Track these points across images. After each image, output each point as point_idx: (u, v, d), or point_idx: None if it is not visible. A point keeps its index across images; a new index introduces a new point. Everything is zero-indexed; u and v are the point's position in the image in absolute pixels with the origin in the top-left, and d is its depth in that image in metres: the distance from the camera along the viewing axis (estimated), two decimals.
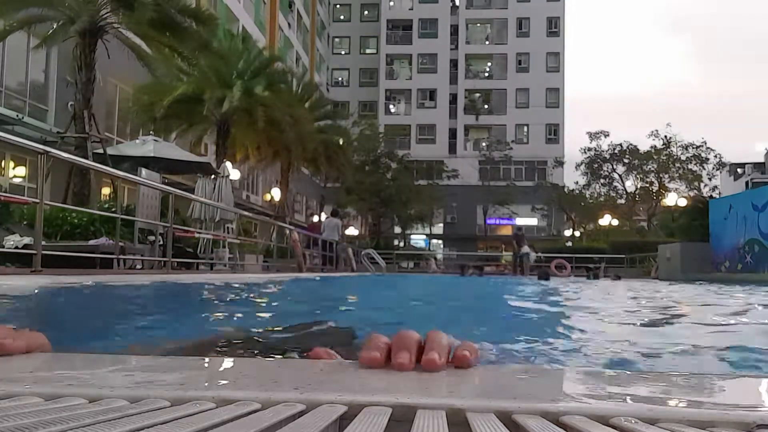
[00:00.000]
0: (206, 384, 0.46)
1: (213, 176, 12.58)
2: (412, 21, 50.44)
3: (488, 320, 4.20)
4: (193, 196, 10.81)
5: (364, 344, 0.61)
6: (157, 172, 11.38)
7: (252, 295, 6.17)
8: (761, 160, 55.51)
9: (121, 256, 7.64)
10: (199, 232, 11.12)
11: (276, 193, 24.38)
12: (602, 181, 43.40)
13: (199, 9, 13.40)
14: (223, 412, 0.36)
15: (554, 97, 48.93)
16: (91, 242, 7.68)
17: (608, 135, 44.10)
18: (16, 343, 0.61)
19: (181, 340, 1.49)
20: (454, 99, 49.83)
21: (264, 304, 5.69)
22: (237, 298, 5.65)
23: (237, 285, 6.37)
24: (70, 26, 11.79)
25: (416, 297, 7.29)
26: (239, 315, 3.84)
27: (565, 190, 43.56)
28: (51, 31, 12.19)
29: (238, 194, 22.18)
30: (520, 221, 43.13)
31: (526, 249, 22.99)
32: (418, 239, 46.65)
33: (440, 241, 47.58)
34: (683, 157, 41.16)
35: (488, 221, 45.85)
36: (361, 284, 11.84)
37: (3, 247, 6.40)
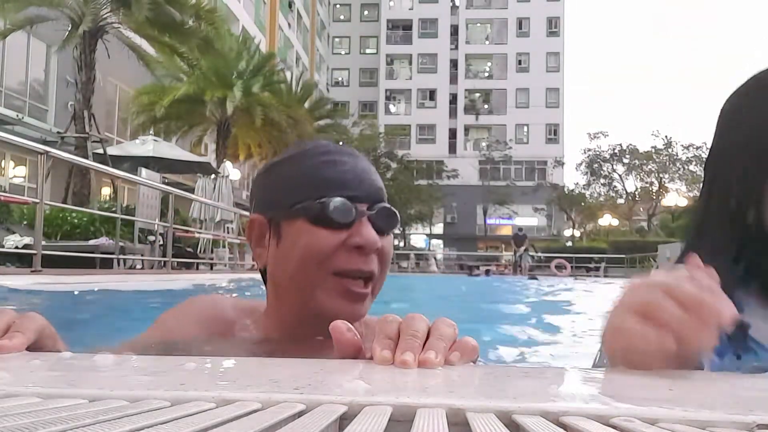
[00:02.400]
0: (206, 384, 0.46)
1: (213, 176, 12.58)
2: (412, 21, 50.42)
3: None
4: (193, 196, 10.82)
5: (378, 329, 0.60)
6: (157, 172, 11.38)
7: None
8: None
9: (121, 256, 7.66)
10: (199, 232, 11.13)
11: None
12: (602, 181, 43.42)
13: (199, 5, 13.34)
14: (223, 412, 0.37)
15: (554, 97, 48.93)
16: (91, 242, 7.69)
17: (608, 135, 44.16)
18: (13, 343, 0.60)
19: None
20: (454, 99, 49.82)
21: None
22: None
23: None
24: (75, 29, 11.79)
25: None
26: None
27: (565, 190, 43.57)
28: (66, 35, 12.18)
29: (238, 194, 22.18)
30: (520, 221, 43.16)
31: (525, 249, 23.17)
32: (418, 239, 46.64)
33: (440, 241, 47.57)
34: (684, 158, 41.20)
35: (488, 221, 45.83)
36: None
37: (3, 247, 6.40)
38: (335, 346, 0.63)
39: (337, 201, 0.90)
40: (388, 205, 0.94)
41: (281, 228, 0.94)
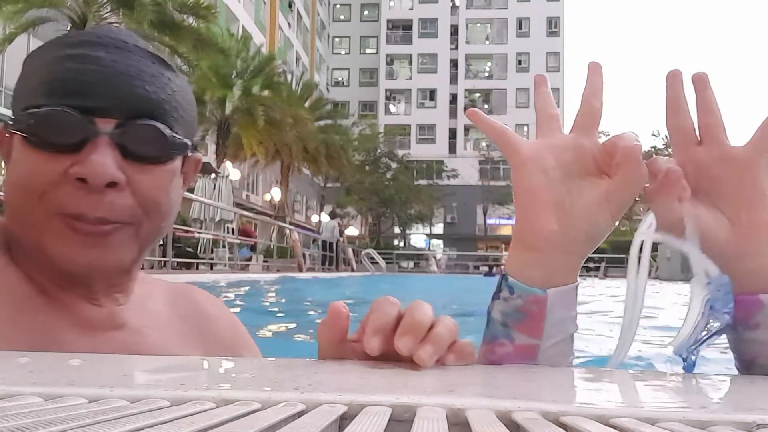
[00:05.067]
0: (206, 384, 0.46)
1: (213, 176, 12.58)
2: (412, 21, 50.45)
3: None
4: (193, 196, 10.82)
5: (372, 308, 0.56)
6: None
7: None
8: None
9: None
10: (199, 232, 11.13)
11: (276, 193, 24.42)
12: None
13: (197, 3, 13.35)
14: (223, 412, 0.37)
15: (554, 97, 48.65)
16: None
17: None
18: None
19: None
20: (454, 99, 49.83)
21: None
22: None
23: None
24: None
25: None
26: None
27: None
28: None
29: (238, 194, 22.19)
30: None
31: None
32: (418, 239, 46.65)
33: (440, 241, 47.59)
34: None
35: (488, 221, 45.84)
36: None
37: None
38: (328, 327, 0.56)
39: (50, 112, 0.63)
40: (152, 123, 0.67)
41: (13, 144, 0.68)
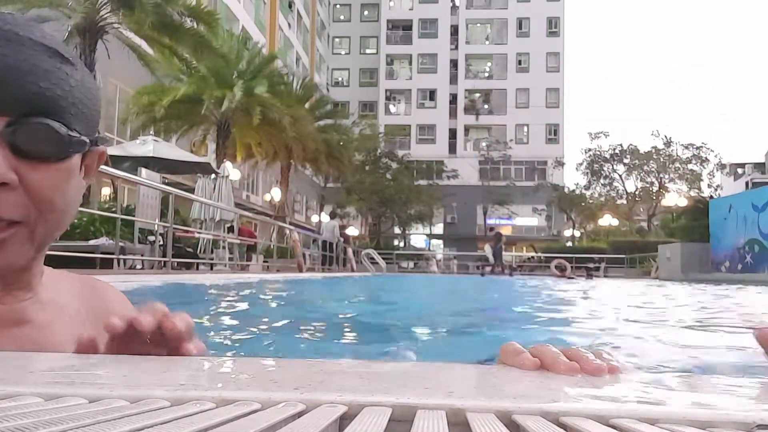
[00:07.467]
0: (206, 384, 0.46)
1: (213, 176, 12.57)
2: (412, 21, 50.46)
3: None
4: (193, 196, 10.82)
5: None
6: (157, 172, 11.37)
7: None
8: (761, 160, 55.50)
9: (121, 256, 7.64)
10: (199, 232, 11.13)
11: (276, 193, 24.41)
12: (603, 181, 43.45)
13: (198, 7, 13.35)
14: (223, 412, 0.37)
15: (554, 97, 48.94)
16: (91, 242, 7.68)
17: (608, 135, 44.19)
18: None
19: None
20: (454, 99, 49.83)
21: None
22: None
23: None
24: (75, 29, 11.82)
25: None
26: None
27: (566, 190, 43.58)
28: (66, 35, 12.21)
29: (238, 194, 22.18)
30: (520, 221, 43.24)
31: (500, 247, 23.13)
32: (418, 239, 46.64)
33: (440, 241, 47.58)
34: (683, 157, 41.26)
35: (488, 221, 45.85)
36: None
37: None
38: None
39: None
40: (45, 121, 0.64)
41: None
